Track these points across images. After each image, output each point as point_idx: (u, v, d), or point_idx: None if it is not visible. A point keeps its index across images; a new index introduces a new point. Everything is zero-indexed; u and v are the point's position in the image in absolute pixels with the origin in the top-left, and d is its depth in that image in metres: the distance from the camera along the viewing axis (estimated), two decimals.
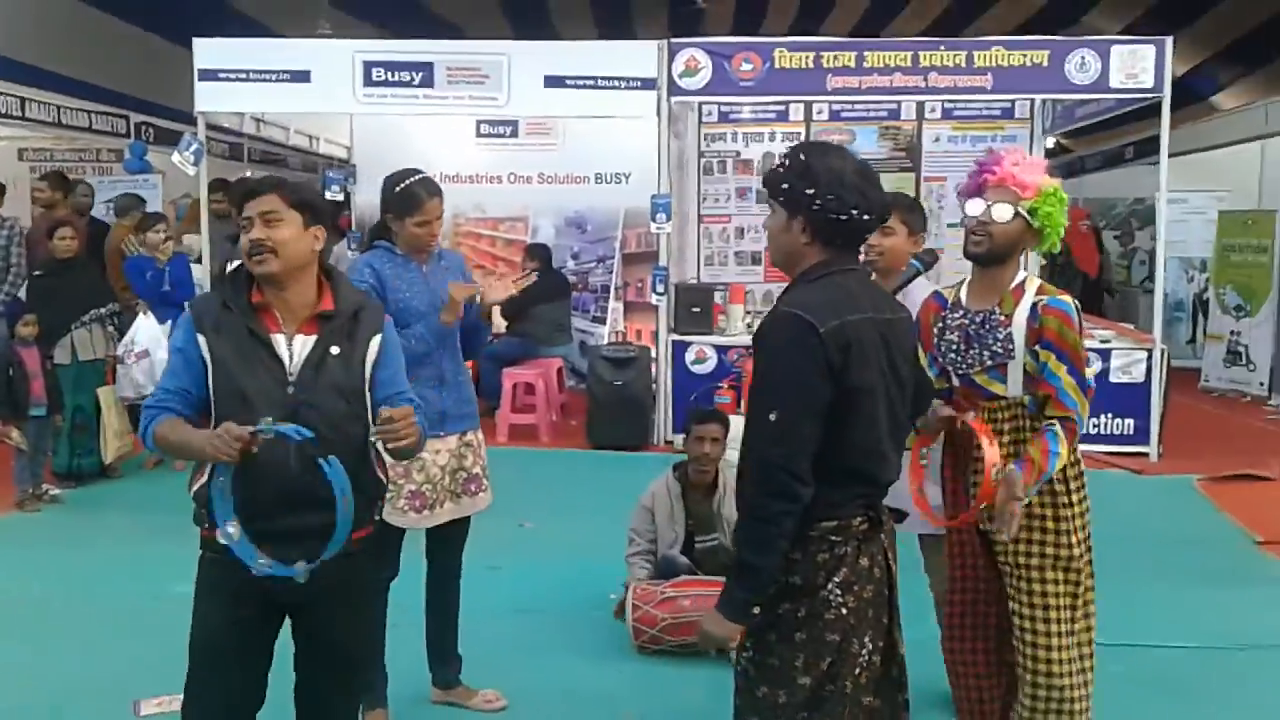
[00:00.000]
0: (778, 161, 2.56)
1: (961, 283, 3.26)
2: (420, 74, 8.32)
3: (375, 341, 2.81)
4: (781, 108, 10.40)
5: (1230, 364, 11.12)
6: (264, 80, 8.42)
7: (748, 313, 9.02)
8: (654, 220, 8.44)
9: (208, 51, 8.46)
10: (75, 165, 12.41)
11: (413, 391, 3.75)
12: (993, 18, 15.42)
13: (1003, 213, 3.03)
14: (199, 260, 8.84)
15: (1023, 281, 3.10)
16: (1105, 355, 8.10)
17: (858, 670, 2.48)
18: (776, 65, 8.13)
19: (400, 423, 2.64)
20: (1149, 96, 7.96)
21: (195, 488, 2.71)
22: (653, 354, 8.79)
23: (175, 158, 8.59)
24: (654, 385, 8.61)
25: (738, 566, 2.45)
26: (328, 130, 12.03)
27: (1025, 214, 3.04)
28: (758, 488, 2.40)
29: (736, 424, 7.59)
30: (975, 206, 3.10)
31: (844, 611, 2.45)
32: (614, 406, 8.43)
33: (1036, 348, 3.03)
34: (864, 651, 2.49)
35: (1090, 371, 3.13)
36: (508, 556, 5.62)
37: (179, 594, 2.92)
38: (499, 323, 9.49)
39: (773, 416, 2.38)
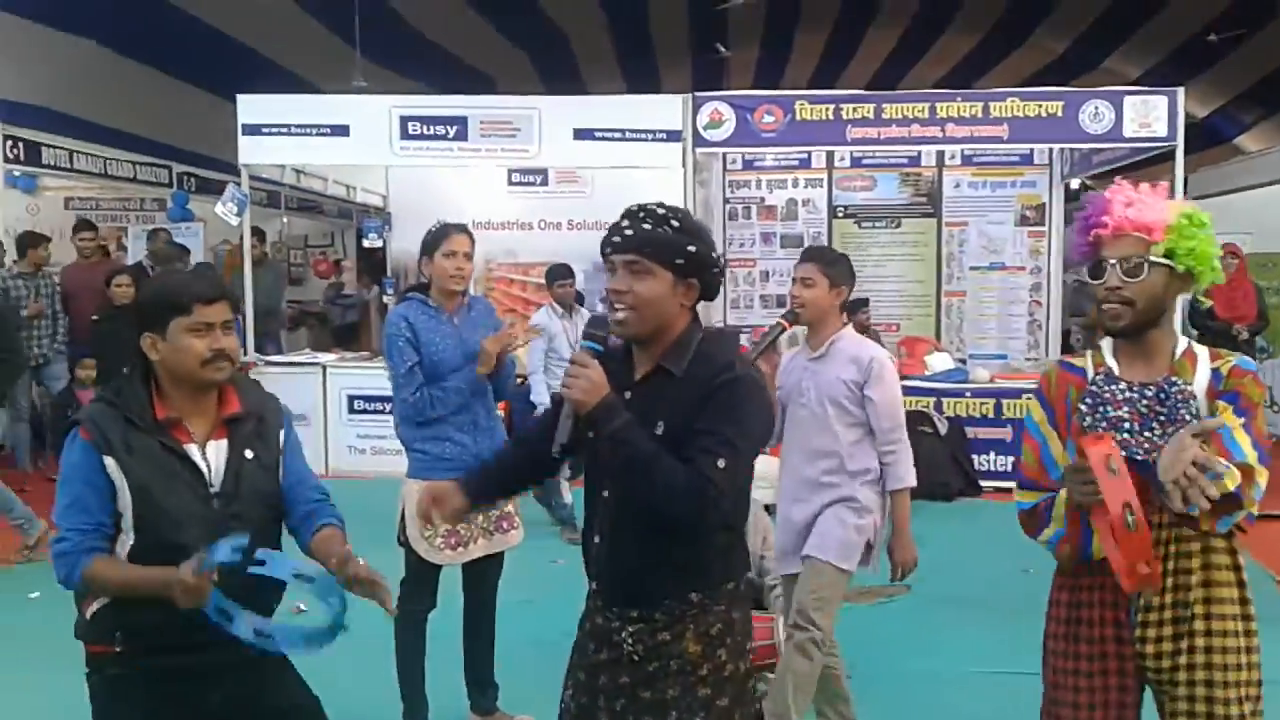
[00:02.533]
0: (647, 223, 2.38)
1: (1091, 351, 2.64)
2: (455, 127, 8.66)
3: (282, 437, 2.72)
4: (804, 155, 10.66)
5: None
6: (305, 134, 8.78)
7: None
8: None
9: (251, 107, 8.83)
10: (120, 214, 12.84)
11: (449, 436, 4.03)
12: (1012, 63, 15.69)
13: (1134, 271, 2.44)
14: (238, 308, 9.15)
15: (1189, 347, 2.53)
16: None
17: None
18: (798, 117, 8.40)
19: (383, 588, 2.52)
20: (1162, 146, 8.17)
21: (92, 610, 2.56)
22: None
23: (219, 209, 8.93)
24: None
25: (636, 458, 2.31)
26: (364, 180, 12.38)
27: (1164, 261, 2.44)
28: (697, 496, 2.29)
29: (763, 464, 7.83)
30: (1098, 274, 2.49)
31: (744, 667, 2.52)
32: None
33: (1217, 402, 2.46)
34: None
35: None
36: (541, 591, 5.83)
37: None
38: (523, 362, 9.74)
39: (723, 464, 2.31)
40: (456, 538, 4.09)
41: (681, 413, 2.34)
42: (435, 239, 4.10)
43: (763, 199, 10.98)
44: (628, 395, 2.40)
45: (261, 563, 2.36)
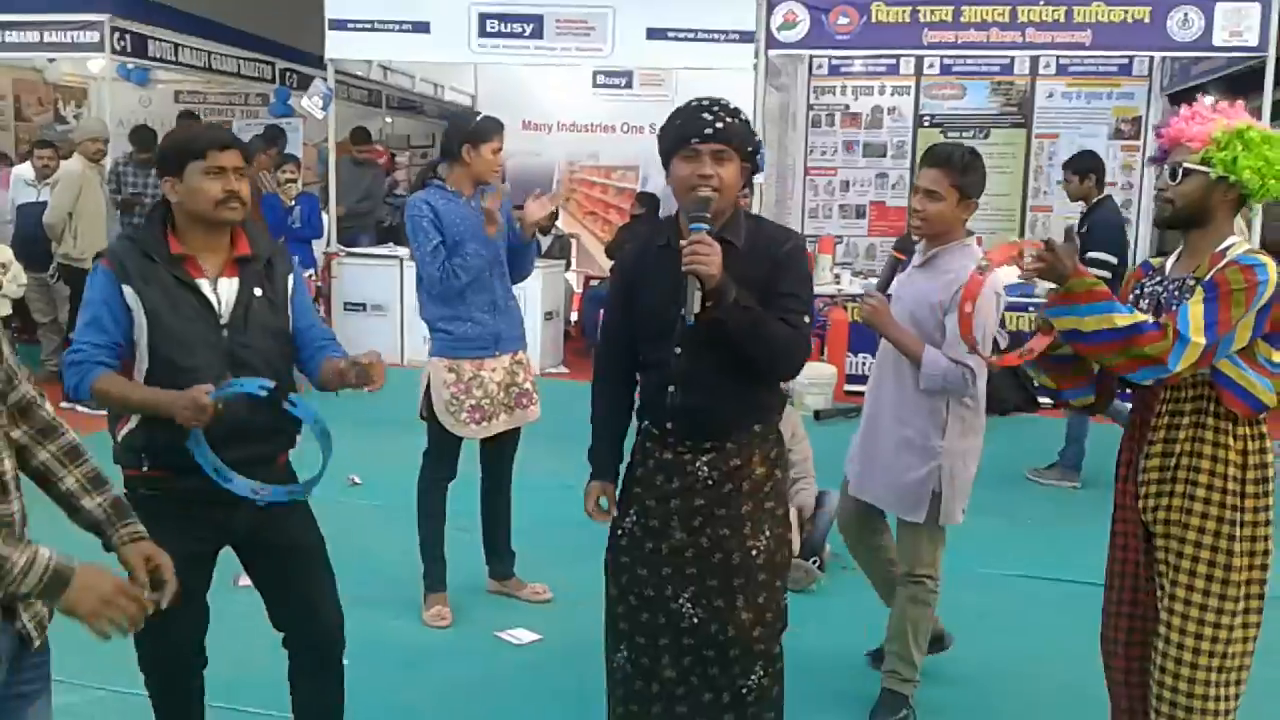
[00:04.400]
0: (728, 117, 2.70)
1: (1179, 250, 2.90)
2: (531, 25, 8.76)
3: (291, 280, 2.92)
4: (892, 61, 10.47)
5: None
6: (387, 30, 8.99)
7: (836, 264, 9.22)
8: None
9: (338, 1, 9.06)
10: (225, 108, 13.30)
11: (470, 317, 4.24)
12: None
13: (1173, 174, 2.74)
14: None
15: (1229, 246, 2.72)
16: None
17: None
18: (873, 19, 8.26)
19: (378, 365, 2.79)
20: (1253, 56, 7.81)
21: (124, 433, 2.74)
22: None
23: (304, 103, 9.24)
24: None
25: (756, 323, 2.67)
26: (452, 79, 12.58)
27: (1200, 168, 2.70)
28: (798, 351, 2.79)
29: (815, 369, 7.88)
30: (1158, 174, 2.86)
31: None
32: None
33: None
34: None
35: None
36: (581, 477, 6.10)
37: None
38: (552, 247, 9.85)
39: (806, 320, 2.79)
40: (481, 413, 4.33)
41: (747, 278, 2.66)
42: (484, 132, 4.27)
43: (847, 106, 10.84)
44: None
45: (293, 403, 2.61)
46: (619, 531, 2.96)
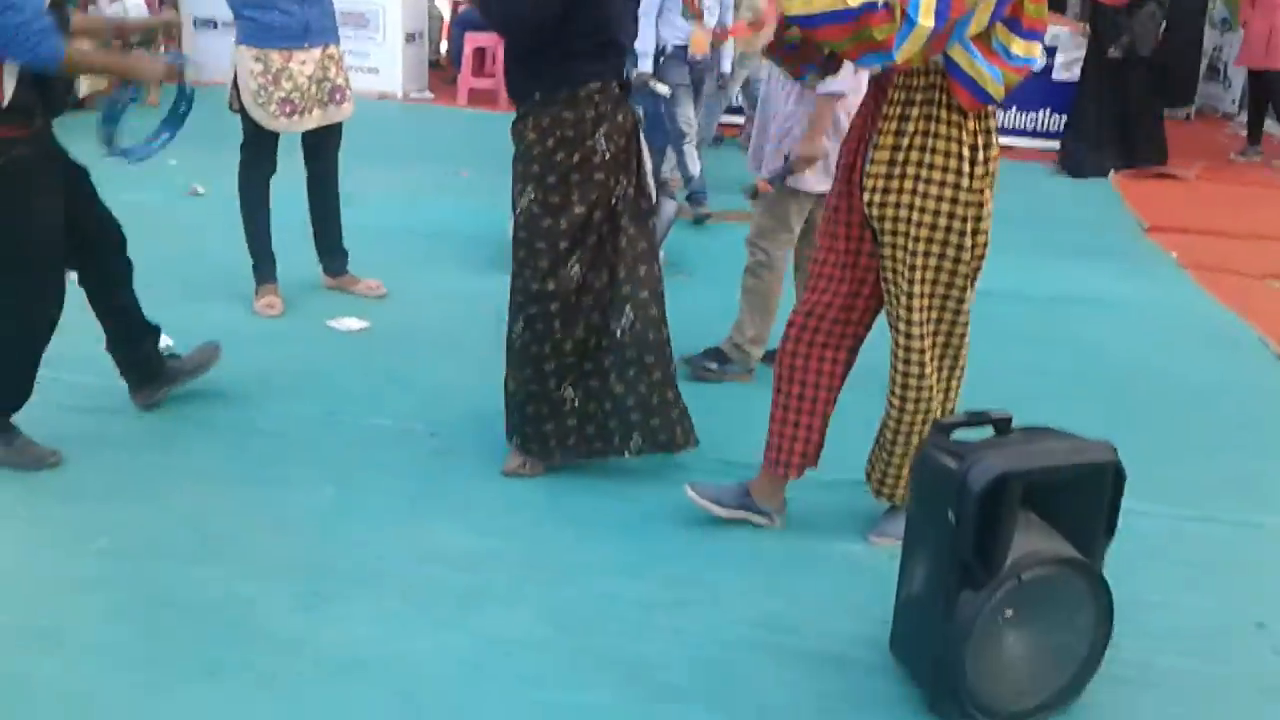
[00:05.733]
0: None
1: None
2: None
3: None
4: None
5: (1209, 79, 11.04)
6: None
7: None
8: None
9: None
10: None
11: (275, 4, 4.14)
12: None
13: None
14: None
15: None
16: (1050, 52, 8.17)
17: (614, 201, 3.08)
18: None
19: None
20: None
21: (10, 96, 2.91)
22: None
23: None
24: None
25: None
26: None
27: None
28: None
29: None
30: None
31: (606, 157, 3.04)
32: None
33: None
34: (619, 188, 3.08)
35: (1027, 49, 2.56)
36: (441, 197, 6.20)
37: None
38: None
39: None
40: (291, 106, 4.27)
41: None
42: None
43: None
44: None
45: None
46: None
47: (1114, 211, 7.04)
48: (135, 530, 2.87)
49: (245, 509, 3.01)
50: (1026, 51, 2.55)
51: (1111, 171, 7.77)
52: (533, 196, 3.07)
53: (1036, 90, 8.24)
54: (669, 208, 4.82)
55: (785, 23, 2.71)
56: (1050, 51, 8.22)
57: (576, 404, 3.16)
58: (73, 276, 3.29)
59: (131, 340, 3.47)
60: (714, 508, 2.99)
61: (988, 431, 2.40)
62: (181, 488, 3.11)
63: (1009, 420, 2.42)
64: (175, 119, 3.37)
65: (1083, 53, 8.03)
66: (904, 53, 2.44)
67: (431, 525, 2.97)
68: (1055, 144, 8.38)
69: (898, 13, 2.41)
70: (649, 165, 3.23)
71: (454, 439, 3.46)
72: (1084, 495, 2.30)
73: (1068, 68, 8.39)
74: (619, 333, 3.11)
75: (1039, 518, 2.27)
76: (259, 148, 4.34)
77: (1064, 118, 8.40)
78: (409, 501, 3.09)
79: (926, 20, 2.41)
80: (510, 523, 3.01)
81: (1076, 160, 7.88)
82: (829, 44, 2.57)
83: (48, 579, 2.68)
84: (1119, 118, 7.77)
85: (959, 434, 2.38)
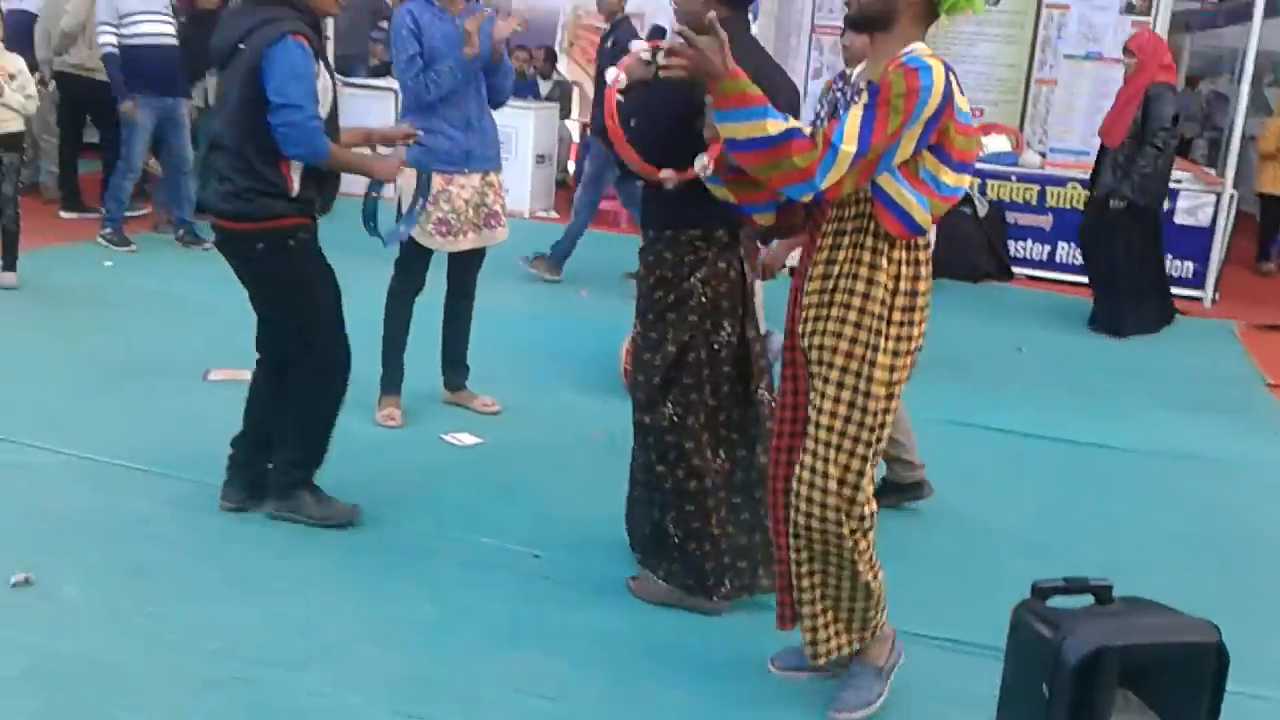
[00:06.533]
0: None
1: None
2: None
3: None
4: None
5: None
6: None
7: None
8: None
9: None
10: None
11: (442, 130, 4.45)
12: None
13: None
14: None
15: (909, 52, 2.51)
16: (1173, 195, 8.10)
17: (716, 346, 3.18)
18: None
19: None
20: None
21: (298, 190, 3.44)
22: None
23: None
24: None
25: None
26: None
27: None
28: None
29: None
30: None
31: (703, 300, 3.15)
32: None
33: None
34: (721, 333, 3.17)
35: (956, 180, 2.53)
36: (559, 318, 6.45)
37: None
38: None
39: None
40: (447, 227, 4.52)
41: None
42: None
43: None
44: None
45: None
46: None
47: (1233, 364, 6.85)
48: (247, 633, 3.01)
49: (352, 619, 3.13)
50: (956, 182, 2.52)
51: (1239, 323, 7.59)
52: (637, 329, 3.25)
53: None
54: (776, 340, 4.92)
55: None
56: (1172, 195, 8.14)
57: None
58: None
59: (265, 447, 3.67)
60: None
61: (1087, 599, 2.38)
62: (292, 592, 3.24)
63: (1110, 589, 2.40)
64: (410, 217, 3.93)
65: (1212, 199, 7.94)
66: (829, 180, 2.41)
67: (528, 653, 3.03)
68: (1184, 291, 8.25)
69: (820, 140, 2.41)
70: (758, 309, 3.33)
71: (556, 563, 3.54)
72: (1186, 676, 2.25)
73: (1191, 213, 8.31)
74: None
75: (1137, 698, 2.23)
76: (410, 264, 4.59)
77: (1192, 265, 8.30)
78: (510, 626, 3.16)
79: (849, 146, 2.39)
80: (604, 654, 3.05)
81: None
82: (754, 170, 2.50)
83: (164, 676, 2.81)
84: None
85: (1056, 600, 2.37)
